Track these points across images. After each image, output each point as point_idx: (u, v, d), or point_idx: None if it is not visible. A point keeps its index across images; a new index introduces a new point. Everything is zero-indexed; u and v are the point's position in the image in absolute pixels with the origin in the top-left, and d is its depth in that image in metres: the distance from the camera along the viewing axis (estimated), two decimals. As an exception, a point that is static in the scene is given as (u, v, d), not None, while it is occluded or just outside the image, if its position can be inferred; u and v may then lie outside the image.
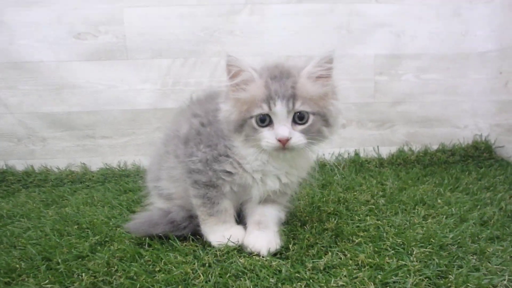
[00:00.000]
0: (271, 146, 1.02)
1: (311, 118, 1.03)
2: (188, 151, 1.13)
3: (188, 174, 1.14)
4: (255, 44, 2.12)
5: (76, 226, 1.32)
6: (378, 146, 2.22)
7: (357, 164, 2.11)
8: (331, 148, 2.21)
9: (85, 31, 2.07)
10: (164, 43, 2.10)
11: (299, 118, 1.02)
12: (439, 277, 0.90)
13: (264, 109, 1.00)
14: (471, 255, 1.01)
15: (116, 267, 0.99)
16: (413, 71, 2.20)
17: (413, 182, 1.75)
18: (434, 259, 0.96)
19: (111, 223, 1.34)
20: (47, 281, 0.93)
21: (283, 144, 1.00)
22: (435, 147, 2.20)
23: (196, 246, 1.10)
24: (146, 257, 1.04)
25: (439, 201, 1.45)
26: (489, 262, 0.96)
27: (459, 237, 1.10)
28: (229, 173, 1.10)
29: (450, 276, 0.89)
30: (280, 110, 1.00)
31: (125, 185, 1.89)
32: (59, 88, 2.10)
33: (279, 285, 0.88)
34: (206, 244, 1.11)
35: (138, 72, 2.12)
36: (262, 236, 1.07)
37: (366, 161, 2.13)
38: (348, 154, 2.21)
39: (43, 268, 1.00)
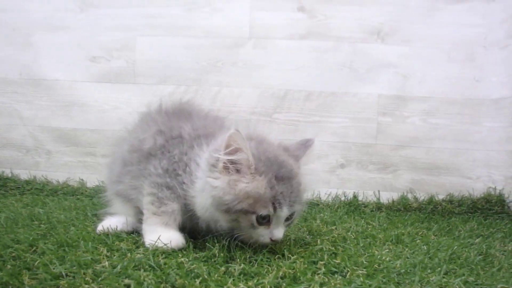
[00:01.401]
0: (262, 243, 1.03)
1: (296, 213, 1.07)
2: (150, 165, 1.14)
3: (148, 176, 1.13)
4: (256, 76, 2.15)
5: (36, 222, 1.32)
6: (379, 191, 2.07)
7: (351, 206, 1.97)
8: (328, 189, 2.10)
9: (99, 55, 2.22)
10: (169, 71, 2.19)
11: (290, 216, 1.05)
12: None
13: (270, 211, 0.99)
14: (403, 280, 0.88)
15: (34, 248, 0.97)
16: (420, 114, 2.10)
17: (402, 226, 1.59)
18: (360, 278, 0.85)
19: (69, 223, 1.33)
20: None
21: (274, 242, 1.03)
22: (441, 197, 2.02)
23: (129, 246, 1.06)
24: (72, 248, 1.01)
25: (417, 241, 1.30)
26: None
27: (408, 265, 0.96)
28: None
29: None
30: (284, 214, 1.01)
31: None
32: (69, 105, 2.23)
33: (179, 279, 0.80)
34: (141, 246, 1.06)
35: (143, 96, 2.20)
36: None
37: (362, 204, 1.99)
38: (345, 196, 2.08)
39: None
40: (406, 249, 1.18)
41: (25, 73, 2.24)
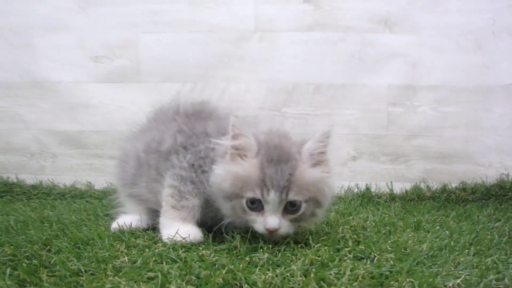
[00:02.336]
0: (258, 231, 0.98)
1: (303, 206, 0.98)
2: (173, 158, 1.10)
3: (171, 167, 1.09)
4: (263, 70, 2.12)
5: (47, 224, 1.29)
6: (391, 182, 2.04)
7: (365, 197, 1.94)
8: (341, 181, 2.06)
9: (102, 54, 2.18)
10: (175, 68, 2.16)
11: (290, 206, 0.97)
12: (385, 276, 0.75)
13: (257, 195, 0.95)
14: (435, 262, 0.85)
15: (49, 247, 0.94)
16: (430, 103, 2.06)
17: (419, 214, 1.56)
18: (390, 262, 0.81)
19: (80, 224, 1.29)
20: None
21: (270, 233, 0.96)
22: (454, 185, 1.98)
23: (146, 242, 1.02)
24: (88, 245, 0.98)
25: (437, 227, 1.27)
26: (453, 268, 0.81)
27: (435, 248, 0.93)
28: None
29: (397, 275, 0.74)
30: (272, 199, 0.94)
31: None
32: (74, 107, 2.19)
33: (203, 271, 0.76)
34: (158, 241, 1.03)
35: (149, 95, 2.16)
36: None
37: (376, 196, 1.96)
38: (358, 188, 2.04)
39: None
40: (429, 235, 1.15)
41: (26, 76, 2.20)
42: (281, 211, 0.96)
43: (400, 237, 1.09)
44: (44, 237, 1.03)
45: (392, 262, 0.82)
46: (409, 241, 1.02)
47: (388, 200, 1.89)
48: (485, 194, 1.86)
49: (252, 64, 2.13)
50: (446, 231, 1.19)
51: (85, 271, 0.79)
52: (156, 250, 0.91)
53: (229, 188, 0.97)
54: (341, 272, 0.76)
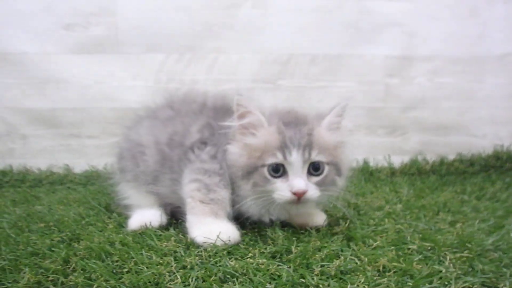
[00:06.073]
0: (285, 199, 0.93)
1: (326, 169, 0.96)
2: (191, 154, 1.02)
3: (189, 163, 1.01)
4: (256, 40, 1.97)
5: (42, 224, 1.12)
6: (389, 155, 2.02)
7: (366, 173, 1.91)
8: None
9: (74, 22, 1.92)
10: (158, 37, 1.95)
11: (314, 169, 0.95)
12: (486, 286, 0.70)
13: (279, 158, 0.92)
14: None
15: (74, 265, 0.79)
16: (426, 74, 2.03)
17: (430, 191, 1.55)
18: (476, 266, 0.76)
19: (83, 222, 1.14)
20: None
21: (299, 198, 0.91)
22: (451, 157, 2.00)
23: (178, 247, 0.90)
24: (116, 256, 0.85)
25: (464, 208, 1.26)
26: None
27: (501, 242, 0.90)
28: None
29: (501, 284, 0.69)
30: (295, 160, 0.92)
31: (110, 187, 1.68)
32: (43, 82, 1.94)
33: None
34: (190, 245, 0.92)
35: (129, 67, 1.95)
36: None
37: (376, 170, 1.94)
38: (357, 162, 2.01)
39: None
40: (465, 219, 1.12)
41: (-16, 46, 1.90)
42: (305, 173, 0.93)
43: (442, 225, 1.06)
44: (61, 251, 0.88)
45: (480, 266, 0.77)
46: (460, 231, 0.98)
47: (389, 175, 1.88)
48: (484, 166, 1.89)
49: (244, 33, 1.97)
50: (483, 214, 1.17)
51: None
52: (199, 261, 0.80)
53: (248, 161, 0.94)
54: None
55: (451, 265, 0.78)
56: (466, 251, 0.84)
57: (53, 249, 0.89)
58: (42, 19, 1.91)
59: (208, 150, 0.99)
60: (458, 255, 0.83)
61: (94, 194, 1.57)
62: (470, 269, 0.77)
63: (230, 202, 0.98)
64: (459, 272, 0.75)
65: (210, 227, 0.91)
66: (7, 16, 1.89)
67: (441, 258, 0.83)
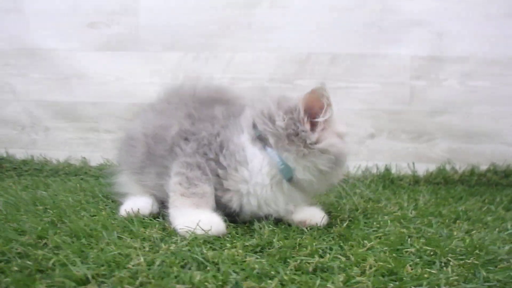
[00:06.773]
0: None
1: None
2: (176, 148, 1.00)
3: (175, 157, 0.99)
4: (274, 39, 1.92)
5: (41, 207, 1.12)
6: (413, 163, 1.89)
7: (386, 180, 1.80)
8: (357, 161, 1.91)
9: (98, 20, 1.97)
10: (177, 36, 1.96)
11: None
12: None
13: None
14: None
15: (47, 241, 0.78)
16: (457, 77, 1.89)
17: (454, 200, 1.42)
18: (480, 273, 0.67)
19: (79, 207, 1.13)
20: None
21: None
22: (483, 167, 1.84)
23: (159, 234, 0.87)
24: (93, 238, 0.82)
25: (488, 218, 1.13)
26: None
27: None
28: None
29: None
30: None
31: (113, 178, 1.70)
32: (67, 77, 2.00)
33: (241, 281, 0.61)
34: (172, 234, 0.88)
35: (148, 65, 1.98)
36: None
37: (398, 178, 1.81)
38: (377, 168, 1.90)
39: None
40: (485, 227, 1.01)
41: (15, 43, 1.99)
42: None
43: (456, 231, 0.95)
44: (39, 227, 0.87)
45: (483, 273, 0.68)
46: (475, 240, 0.88)
47: (411, 183, 1.75)
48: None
49: (261, 32, 1.93)
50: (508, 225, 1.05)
51: (93, 278, 0.63)
52: (173, 246, 0.76)
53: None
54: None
55: (450, 270, 0.68)
56: (472, 258, 0.74)
57: (34, 226, 0.88)
58: (68, 18, 1.98)
59: (191, 146, 0.97)
60: (462, 261, 0.73)
61: (103, 185, 1.58)
62: (473, 276, 0.67)
63: (212, 196, 0.95)
64: (458, 278, 0.65)
65: (190, 217, 0.87)
66: (36, 15, 1.98)
67: (443, 264, 0.73)
